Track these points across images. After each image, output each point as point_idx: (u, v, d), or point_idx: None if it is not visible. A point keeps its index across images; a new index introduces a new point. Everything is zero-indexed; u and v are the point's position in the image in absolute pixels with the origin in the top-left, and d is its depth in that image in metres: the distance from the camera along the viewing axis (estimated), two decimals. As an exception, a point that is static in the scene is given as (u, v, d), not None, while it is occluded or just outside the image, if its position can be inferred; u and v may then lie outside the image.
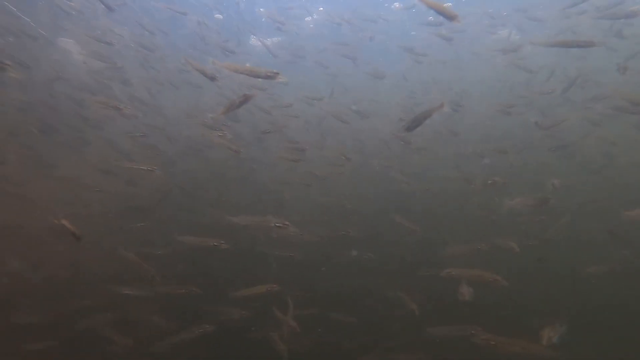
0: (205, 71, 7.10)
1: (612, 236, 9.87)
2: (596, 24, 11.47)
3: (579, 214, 11.28)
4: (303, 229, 11.18)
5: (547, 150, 11.64)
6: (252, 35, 16.39)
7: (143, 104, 11.85)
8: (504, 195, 12.58)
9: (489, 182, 9.36)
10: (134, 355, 9.47)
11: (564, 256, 11.14)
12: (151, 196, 12.74)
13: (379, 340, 10.62)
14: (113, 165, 11.15)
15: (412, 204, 13.09)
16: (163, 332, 9.93)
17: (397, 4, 15.05)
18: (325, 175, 11.42)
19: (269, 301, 8.75)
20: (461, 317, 9.04)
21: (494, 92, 14.03)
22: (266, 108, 11.32)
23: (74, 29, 11.48)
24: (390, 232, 12.75)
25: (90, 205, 12.14)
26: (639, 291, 10.21)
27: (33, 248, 11.53)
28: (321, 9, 15.49)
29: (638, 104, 8.45)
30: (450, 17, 5.98)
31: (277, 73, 5.32)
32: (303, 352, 9.83)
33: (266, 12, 14.11)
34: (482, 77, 15.00)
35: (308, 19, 15.94)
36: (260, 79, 5.97)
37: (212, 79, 7.11)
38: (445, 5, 5.96)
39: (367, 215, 13.29)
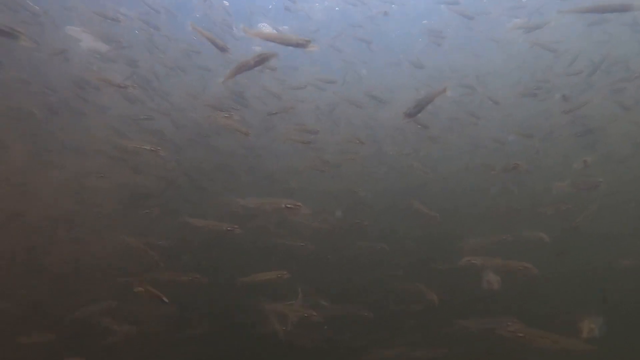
0: (215, 41, 6.80)
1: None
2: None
3: (605, 204, 10.66)
4: (313, 219, 10.76)
5: (571, 137, 11.09)
6: (262, 23, 15.96)
7: (149, 87, 11.43)
8: (528, 182, 12.12)
9: (511, 166, 8.77)
10: (136, 346, 9.03)
11: (589, 248, 10.57)
12: (156, 184, 12.32)
13: (392, 336, 10.10)
14: (117, 148, 10.77)
15: (428, 194, 12.55)
16: (167, 322, 9.53)
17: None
18: (337, 162, 10.89)
19: (277, 295, 8.41)
20: (479, 311, 8.57)
21: (514, 78, 13.43)
22: (276, 92, 10.86)
23: (79, 7, 11.09)
24: (404, 223, 12.24)
25: (93, 192, 11.73)
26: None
27: (34, 237, 11.17)
28: (332, -6, 15.05)
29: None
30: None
31: (309, 41, 5.15)
32: (312, 348, 9.35)
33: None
34: (502, 63, 14.40)
35: (317, 4, 15.44)
36: (268, 61, 5.58)
37: (223, 50, 6.77)
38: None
39: (380, 205, 12.76)
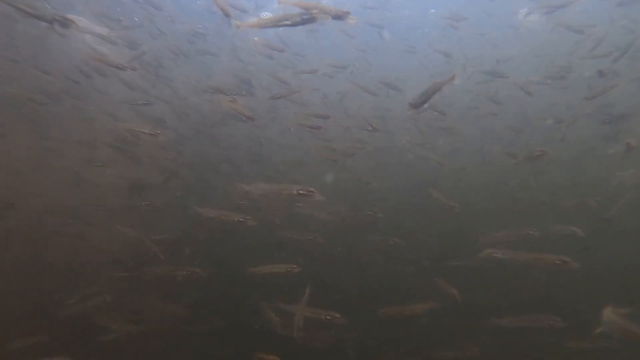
0: (228, 12, 6.50)
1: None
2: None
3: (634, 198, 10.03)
4: (322, 211, 10.21)
5: (594, 126, 10.50)
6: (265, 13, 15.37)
7: (151, 72, 10.89)
8: (549, 174, 11.50)
9: (536, 154, 8.13)
10: (136, 345, 8.48)
11: (618, 244, 9.96)
12: (157, 175, 11.77)
13: (405, 336, 9.53)
14: (117, 138, 10.27)
15: (443, 187, 11.98)
16: (172, 320, 9.00)
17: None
18: (347, 152, 10.32)
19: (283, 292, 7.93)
20: (503, 310, 8.02)
21: (532, 66, 12.82)
22: (284, 78, 10.30)
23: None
24: (417, 216, 11.68)
25: (92, 182, 11.24)
26: None
27: (30, 229, 10.69)
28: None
29: None
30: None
31: (347, 12, 4.81)
32: (323, 349, 8.78)
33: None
34: (520, 50, 13.77)
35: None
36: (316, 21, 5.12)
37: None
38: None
39: (392, 198, 12.19)
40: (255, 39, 10.89)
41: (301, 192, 6.13)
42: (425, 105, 6.64)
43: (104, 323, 7.78)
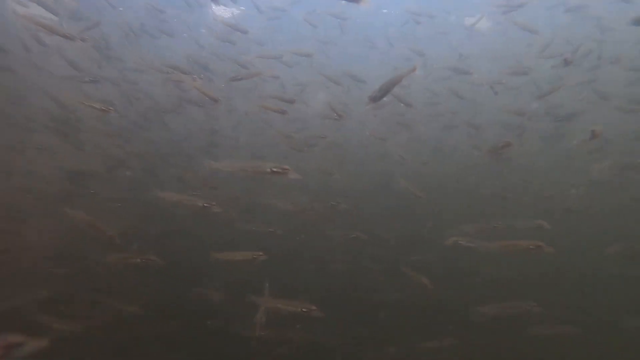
0: None
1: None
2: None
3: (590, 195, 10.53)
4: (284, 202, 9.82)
5: (548, 124, 10.96)
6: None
7: (100, 52, 9.95)
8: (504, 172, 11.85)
9: (501, 145, 8.25)
10: (80, 347, 7.54)
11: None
12: (102, 164, 10.77)
13: (369, 333, 9.32)
14: (57, 120, 9.27)
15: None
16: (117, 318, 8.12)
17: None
18: (307, 142, 10.01)
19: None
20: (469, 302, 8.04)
21: (484, 67, 13.20)
22: (242, 62, 9.84)
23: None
24: (380, 211, 11.60)
25: (27, 169, 10.08)
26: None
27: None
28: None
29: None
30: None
31: None
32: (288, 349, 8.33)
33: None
34: (472, 51, 14.15)
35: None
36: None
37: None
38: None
39: (354, 193, 12.03)
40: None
41: (275, 169, 5.72)
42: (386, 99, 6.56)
43: (43, 321, 6.83)
